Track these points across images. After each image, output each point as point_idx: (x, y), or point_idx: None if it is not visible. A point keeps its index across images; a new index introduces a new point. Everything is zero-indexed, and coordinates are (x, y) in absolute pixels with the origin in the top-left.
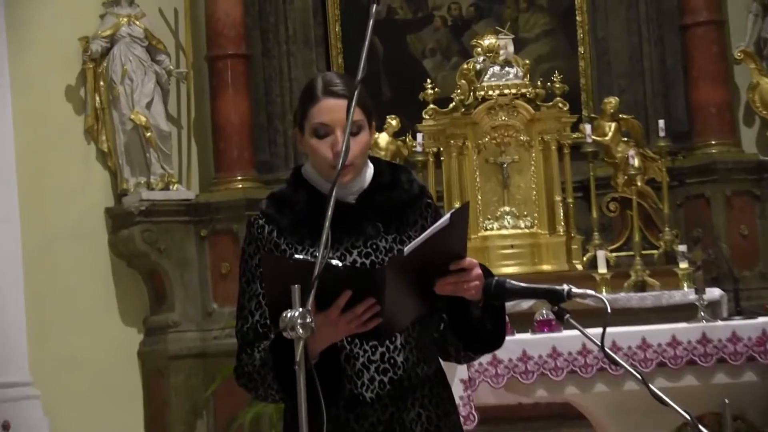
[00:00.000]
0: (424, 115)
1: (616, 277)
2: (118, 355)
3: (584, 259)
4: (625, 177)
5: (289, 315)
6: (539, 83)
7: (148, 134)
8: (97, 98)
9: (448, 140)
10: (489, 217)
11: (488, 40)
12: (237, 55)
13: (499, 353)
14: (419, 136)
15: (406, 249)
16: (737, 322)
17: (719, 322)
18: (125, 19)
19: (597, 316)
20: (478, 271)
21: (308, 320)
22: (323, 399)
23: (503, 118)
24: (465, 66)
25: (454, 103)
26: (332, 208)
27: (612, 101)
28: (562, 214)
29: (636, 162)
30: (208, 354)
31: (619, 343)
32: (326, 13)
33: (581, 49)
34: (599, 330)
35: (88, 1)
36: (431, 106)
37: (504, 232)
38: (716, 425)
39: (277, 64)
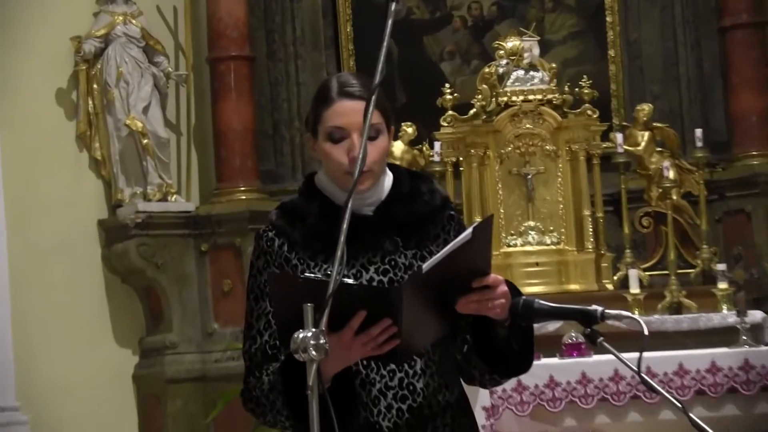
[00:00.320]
0: (442, 122)
1: (649, 297)
2: (111, 379)
3: (615, 278)
4: (660, 190)
5: (301, 336)
6: (566, 89)
7: (145, 141)
8: (90, 102)
9: (468, 149)
10: (512, 232)
11: (511, 42)
12: (240, 57)
13: (525, 379)
14: (437, 144)
15: (425, 265)
16: None
17: (763, 347)
18: (121, 18)
19: (628, 339)
20: (503, 288)
21: (322, 341)
22: (337, 427)
23: (528, 125)
24: (486, 70)
25: (474, 110)
26: (347, 220)
27: (645, 108)
28: (591, 229)
29: (671, 174)
30: (208, 378)
31: (654, 368)
32: (337, 13)
33: (612, 53)
34: (633, 355)
35: None
36: (450, 112)
37: (528, 248)
38: None
39: (284, 67)
